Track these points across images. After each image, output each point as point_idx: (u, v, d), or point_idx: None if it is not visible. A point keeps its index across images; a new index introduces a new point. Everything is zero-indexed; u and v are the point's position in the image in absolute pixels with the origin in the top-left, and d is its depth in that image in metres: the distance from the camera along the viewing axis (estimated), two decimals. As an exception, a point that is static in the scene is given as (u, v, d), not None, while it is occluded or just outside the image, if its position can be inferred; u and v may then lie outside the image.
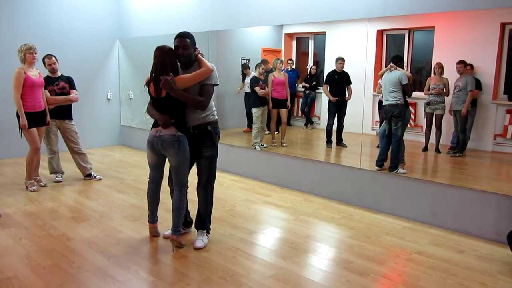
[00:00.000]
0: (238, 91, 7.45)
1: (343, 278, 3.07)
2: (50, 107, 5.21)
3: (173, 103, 3.27)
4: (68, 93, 5.34)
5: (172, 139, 3.28)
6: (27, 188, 5.05)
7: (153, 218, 3.69)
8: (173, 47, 3.33)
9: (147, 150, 3.49)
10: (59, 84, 5.30)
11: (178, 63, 3.35)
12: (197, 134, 3.44)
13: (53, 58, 5.31)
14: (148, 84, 3.35)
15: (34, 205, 4.56)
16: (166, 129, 3.29)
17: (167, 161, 3.52)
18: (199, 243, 3.53)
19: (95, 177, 5.63)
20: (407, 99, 5.07)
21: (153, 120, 3.45)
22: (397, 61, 5.02)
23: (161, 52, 3.25)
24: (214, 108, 3.56)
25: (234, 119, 7.64)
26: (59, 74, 5.38)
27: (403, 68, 5.03)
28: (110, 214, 4.34)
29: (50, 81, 5.26)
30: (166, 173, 3.65)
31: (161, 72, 3.20)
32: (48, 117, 5.11)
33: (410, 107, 5.79)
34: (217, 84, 3.47)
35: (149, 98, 3.46)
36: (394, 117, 4.91)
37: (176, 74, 3.25)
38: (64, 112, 5.35)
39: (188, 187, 3.51)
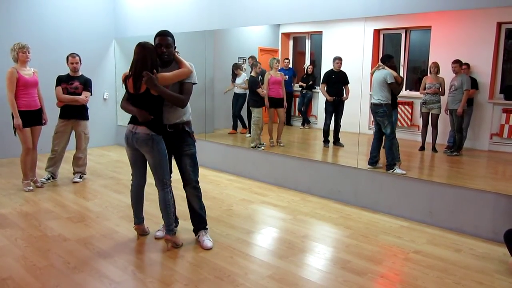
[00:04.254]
0: (226, 91, 7.37)
1: (341, 277, 3.06)
2: (59, 104, 5.26)
3: (151, 100, 3.26)
4: (80, 94, 5.32)
5: (146, 138, 3.28)
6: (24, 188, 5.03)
7: (138, 219, 3.68)
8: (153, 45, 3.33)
9: (125, 146, 3.49)
10: (74, 83, 5.28)
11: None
12: (173, 133, 3.42)
13: (77, 57, 5.32)
14: (126, 79, 3.33)
15: (30, 206, 4.53)
16: (141, 127, 3.27)
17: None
18: (208, 243, 3.52)
19: (73, 178, 5.55)
20: (396, 99, 5.10)
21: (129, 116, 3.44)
22: (385, 60, 5.05)
23: (143, 49, 3.23)
24: (190, 109, 3.54)
25: (230, 119, 7.61)
26: (79, 74, 5.38)
27: (395, 67, 5.03)
28: (107, 214, 4.32)
29: (67, 79, 5.28)
30: (150, 176, 3.54)
31: (143, 68, 3.18)
32: (45, 116, 5.09)
33: (406, 106, 5.81)
34: (196, 83, 3.46)
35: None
36: (378, 117, 4.95)
37: (156, 72, 3.24)
38: (75, 112, 5.32)
39: (170, 185, 3.48)
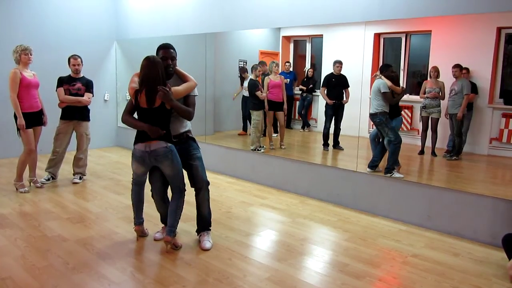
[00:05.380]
0: (234, 96, 7.41)
1: (339, 280, 3.07)
2: (61, 105, 5.29)
3: (165, 113, 3.29)
4: (82, 95, 5.36)
5: (165, 151, 3.29)
6: (17, 190, 5.01)
7: (138, 219, 3.68)
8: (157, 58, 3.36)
9: (133, 163, 3.44)
10: (76, 85, 5.33)
11: None
12: (178, 142, 3.46)
13: (79, 59, 5.37)
14: (137, 94, 3.30)
15: (29, 206, 4.54)
16: (154, 142, 3.27)
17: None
18: (207, 244, 3.54)
19: (73, 179, 5.58)
20: (399, 109, 5.12)
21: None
22: (383, 69, 5.07)
23: (154, 63, 3.24)
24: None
25: (231, 122, 7.64)
26: (81, 76, 5.43)
27: (393, 76, 5.02)
28: (106, 215, 4.33)
29: (69, 81, 5.33)
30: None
31: (156, 83, 3.20)
32: (45, 118, 5.12)
33: (406, 110, 5.82)
34: (197, 95, 3.56)
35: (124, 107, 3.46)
36: (376, 125, 4.98)
37: (164, 85, 3.27)
38: (76, 113, 5.36)
39: (185, 190, 3.50)
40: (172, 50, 3.40)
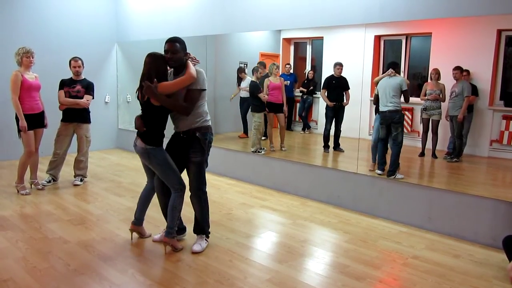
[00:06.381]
0: (232, 97, 7.40)
1: (339, 282, 3.07)
2: (61, 107, 5.33)
3: (152, 109, 3.29)
4: (82, 97, 5.37)
5: (142, 151, 3.36)
6: (18, 192, 5.02)
7: (136, 220, 3.69)
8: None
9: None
10: (76, 87, 5.35)
11: (172, 69, 3.41)
12: (185, 139, 3.43)
13: (79, 61, 5.39)
14: (138, 89, 3.38)
15: (30, 208, 4.55)
16: (139, 139, 3.35)
17: None
18: (196, 247, 3.52)
19: (74, 181, 5.58)
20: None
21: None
22: (395, 67, 5.06)
23: (152, 59, 3.28)
24: (206, 114, 3.49)
25: (230, 124, 7.65)
26: (82, 78, 5.45)
27: (400, 74, 5.05)
28: (107, 217, 4.34)
29: (69, 83, 5.35)
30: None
31: (148, 78, 3.23)
32: (46, 120, 5.13)
33: (406, 112, 5.83)
34: (205, 89, 3.42)
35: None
36: (394, 123, 4.92)
37: (165, 80, 3.28)
38: (77, 115, 5.38)
39: (183, 190, 3.48)
40: (176, 44, 3.32)
